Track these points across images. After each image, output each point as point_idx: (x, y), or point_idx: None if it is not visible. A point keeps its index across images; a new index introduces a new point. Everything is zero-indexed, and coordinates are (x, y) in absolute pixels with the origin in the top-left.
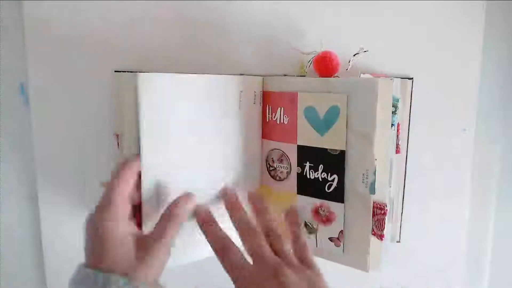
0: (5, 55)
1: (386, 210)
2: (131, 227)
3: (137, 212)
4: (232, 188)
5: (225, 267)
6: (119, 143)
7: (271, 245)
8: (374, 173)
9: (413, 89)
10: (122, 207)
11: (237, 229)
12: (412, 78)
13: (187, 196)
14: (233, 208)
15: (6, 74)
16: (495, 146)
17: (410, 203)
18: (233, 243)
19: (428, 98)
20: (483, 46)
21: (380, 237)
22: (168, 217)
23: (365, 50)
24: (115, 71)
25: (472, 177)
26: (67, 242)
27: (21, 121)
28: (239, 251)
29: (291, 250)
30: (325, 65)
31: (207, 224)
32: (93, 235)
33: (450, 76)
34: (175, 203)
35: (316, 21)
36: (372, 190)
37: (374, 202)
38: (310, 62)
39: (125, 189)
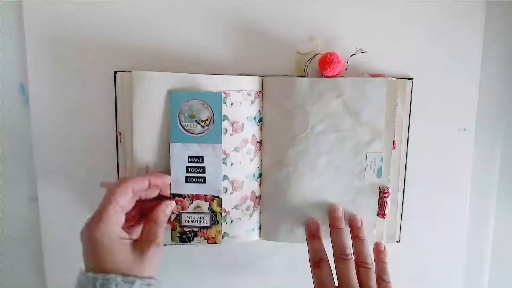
0: (5, 55)
1: (389, 193)
2: (124, 234)
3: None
4: (338, 207)
5: (313, 278)
6: (121, 141)
7: (359, 276)
8: (381, 160)
9: (413, 89)
10: (115, 216)
11: (333, 250)
12: (412, 78)
13: (168, 203)
14: (335, 228)
15: (6, 74)
16: (495, 146)
17: (410, 202)
18: (328, 262)
19: (428, 98)
20: (483, 46)
21: (383, 216)
22: (157, 221)
23: (363, 51)
24: (115, 71)
25: (472, 177)
26: (67, 242)
27: (21, 121)
28: (331, 270)
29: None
30: (332, 66)
31: (313, 237)
32: (89, 242)
33: (450, 76)
34: (161, 209)
35: (316, 21)
36: (379, 175)
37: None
38: (309, 61)
39: (120, 200)
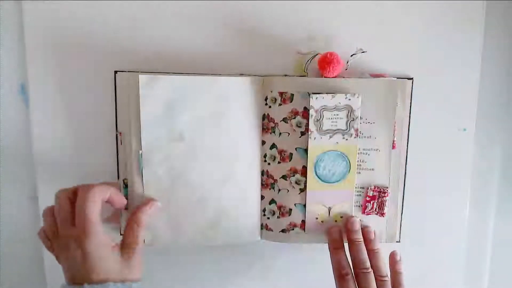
0: (5, 55)
1: (388, 193)
2: (110, 241)
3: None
4: (356, 220)
5: None
6: (122, 141)
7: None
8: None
9: (413, 89)
10: (100, 224)
11: (354, 263)
12: (412, 78)
13: (149, 202)
14: (354, 242)
15: (6, 74)
16: (495, 146)
17: (410, 202)
18: (353, 275)
19: (428, 98)
20: (483, 46)
21: (382, 215)
22: (138, 224)
23: (363, 50)
24: (116, 71)
25: (472, 177)
26: None
27: (21, 121)
28: (355, 284)
29: None
30: (332, 66)
31: (336, 248)
32: (78, 253)
33: (450, 76)
34: (143, 211)
35: (316, 21)
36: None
37: (377, 187)
38: (309, 62)
39: (96, 209)
